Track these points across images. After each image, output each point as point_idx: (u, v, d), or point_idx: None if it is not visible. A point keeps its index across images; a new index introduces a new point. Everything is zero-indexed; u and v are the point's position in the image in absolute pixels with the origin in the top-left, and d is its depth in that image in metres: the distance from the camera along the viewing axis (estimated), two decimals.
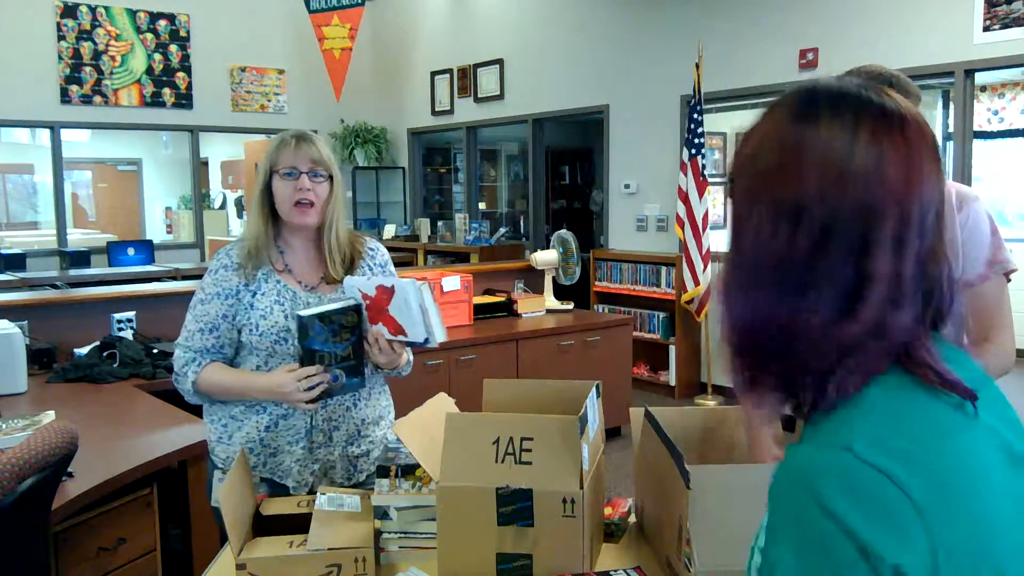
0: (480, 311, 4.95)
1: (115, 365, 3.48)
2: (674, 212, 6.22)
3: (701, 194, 5.96)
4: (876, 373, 0.71)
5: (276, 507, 1.69)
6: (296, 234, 2.00)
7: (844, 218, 0.69)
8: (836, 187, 0.69)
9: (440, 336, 1.85)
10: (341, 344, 1.84)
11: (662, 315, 6.48)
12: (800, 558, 0.66)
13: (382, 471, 1.65)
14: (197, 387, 1.95)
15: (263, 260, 1.97)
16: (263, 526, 1.65)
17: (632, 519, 1.78)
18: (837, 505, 0.64)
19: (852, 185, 0.69)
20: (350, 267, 2.03)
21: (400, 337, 1.86)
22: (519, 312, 5.10)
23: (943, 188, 0.73)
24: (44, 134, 8.28)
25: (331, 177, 1.97)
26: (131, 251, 7.95)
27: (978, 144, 5.89)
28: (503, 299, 5.16)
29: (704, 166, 5.96)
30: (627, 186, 7.00)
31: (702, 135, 5.93)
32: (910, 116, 0.72)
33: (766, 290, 0.72)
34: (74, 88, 7.87)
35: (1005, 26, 4.70)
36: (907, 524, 0.64)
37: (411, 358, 2.06)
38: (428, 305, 1.82)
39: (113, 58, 8.05)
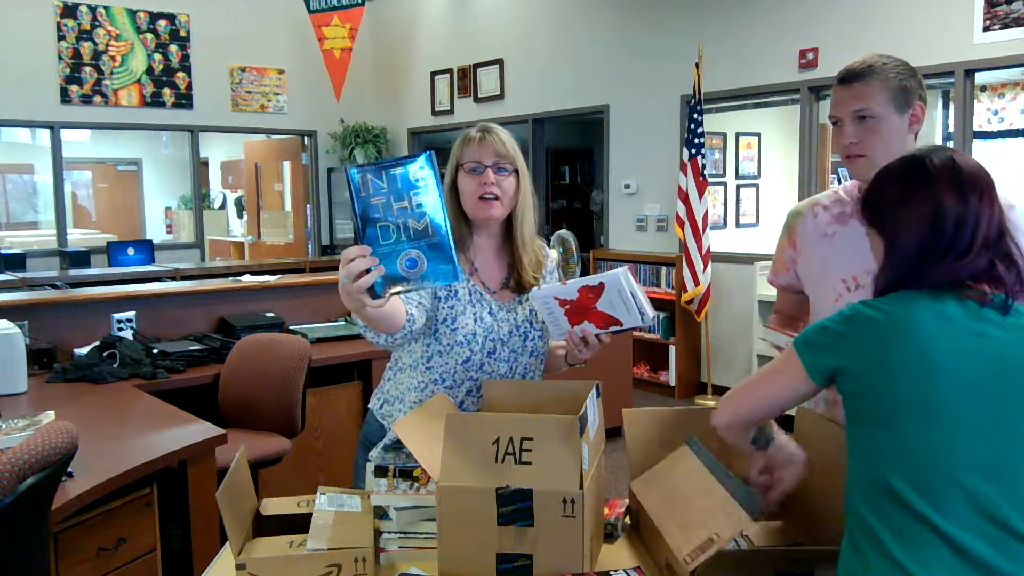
0: None
1: (115, 365, 3.48)
2: (674, 212, 6.22)
3: (701, 194, 5.96)
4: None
5: (276, 507, 1.69)
6: (482, 231, 1.91)
7: (963, 219, 1.32)
8: (958, 207, 1.33)
9: (651, 312, 1.75)
10: (413, 211, 1.40)
11: (662, 315, 6.47)
12: (812, 327, 1.39)
13: (380, 471, 1.65)
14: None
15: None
16: (263, 526, 1.65)
17: (627, 520, 1.78)
18: (838, 316, 1.34)
19: (965, 209, 1.33)
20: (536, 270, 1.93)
21: (613, 328, 1.76)
22: None
23: (1000, 204, 1.37)
24: (44, 134, 8.28)
25: (517, 171, 1.87)
26: (131, 251, 7.95)
27: (978, 144, 5.89)
28: None
29: (704, 166, 5.96)
30: (627, 186, 7.00)
31: (702, 135, 5.93)
32: (979, 171, 1.38)
33: (919, 254, 1.33)
34: (74, 88, 7.87)
35: (1005, 26, 4.70)
36: (867, 338, 1.28)
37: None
38: (636, 289, 1.73)
39: (113, 58, 8.05)
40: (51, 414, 2.47)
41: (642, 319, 1.73)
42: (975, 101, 5.15)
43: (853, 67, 1.70)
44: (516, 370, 1.92)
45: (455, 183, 1.88)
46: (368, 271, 1.37)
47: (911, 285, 1.32)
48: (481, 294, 1.88)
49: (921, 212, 1.33)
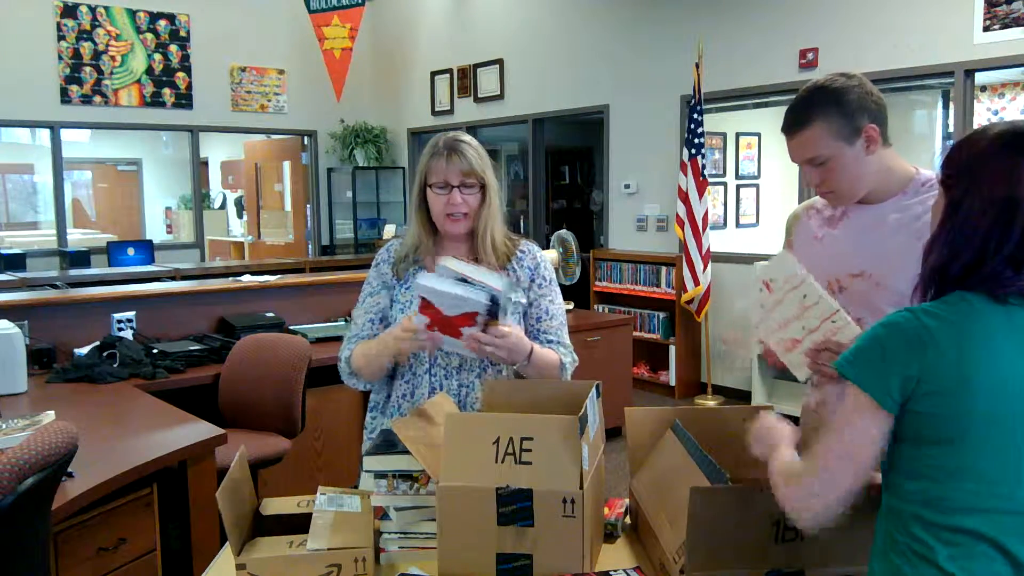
0: None
1: (115, 365, 3.48)
2: (674, 212, 6.22)
3: (701, 194, 5.96)
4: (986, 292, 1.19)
5: (276, 507, 1.69)
6: (450, 239, 2.00)
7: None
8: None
9: (498, 282, 1.72)
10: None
11: (662, 315, 6.48)
12: (857, 349, 1.22)
13: (380, 472, 1.64)
14: (351, 363, 1.98)
15: (420, 262, 1.99)
16: (263, 526, 1.65)
17: (627, 520, 1.78)
18: (884, 329, 1.20)
19: None
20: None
21: (480, 317, 1.72)
22: None
23: None
24: (44, 134, 8.28)
25: (483, 185, 1.94)
26: (131, 251, 7.95)
27: None
28: None
29: (704, 166, 5.96)
30: (627, 186, 7.00)
31: (702, 135, 5.93)
32: None
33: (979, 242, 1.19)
34: (74, 88, 7.87)
35: (1005, 26, 4.70)
36: (920, 347, 1.16)
37: (564, 360, 1.97)
38: (464, 270, 1.72)
39: (113, 58, 8.05)
40: (51, 414, 2.47)
41: (492, 293, 1.70)
42: (975, 101, 5.15)
43: (791, 111, 1.68)
44: (473, 363, 1.95)
45: (424, 194, 1.97)
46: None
47: (968, 284, 1.19)
48: None
49: (990, 194, 1.17)
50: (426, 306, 1.73)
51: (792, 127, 1.68)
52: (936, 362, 1.16)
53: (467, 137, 1.98)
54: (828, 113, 1.64)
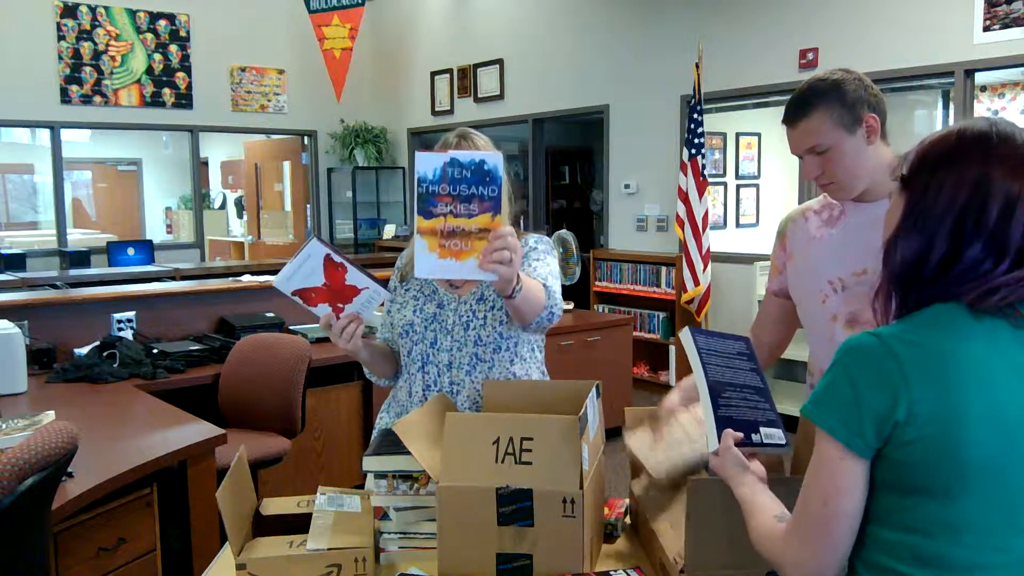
0: None
1: (115, 365, 3.49)
2: (674, 212, 6.22)
3: (701, 194, 5.96)
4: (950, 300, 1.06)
5: (276, 507, 1.69)
6: None
7: (1013, 207, 1.04)
8: (1009, 189, 1.05)
9: (315, 241, 1.75)
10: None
11: (662, 315, 6.48)
12: (823, 388, 1.08)
13: (380, 473, 1.64)
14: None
15: None
16: (263, 526, 1.65)
17: (627, 520, 1.78)
18: (850, 359, 1.06)
19: (1019, 195, 1.05)
20: None
21: (356, 275, 1.75)
22: None
23: None
24: (44, 134, 8.28)
25: None
26: (131, 251, 7.95)
27: None
28: None
29: (704, 166, 5.96)
30: (627, 186, 7.00)
31: (702, 135, 5.93)
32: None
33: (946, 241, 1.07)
34: (74, 88, 7.87)
35: (1005, 26, 4.70)
36: (894, 383, 1.02)
37: (547, 301, 1.83)
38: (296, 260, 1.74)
39: (113, 58, 8.05)
40: (51, 414, 2.47)
41: (315, 242, 1.76)
42: (975, 101, 5.15)
43: (793, 101, 1.69)
44: (462, 360, 1.92)
45: None
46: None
47: (941, 286, 1.06)
48: (435, 289, 1.97)
49: (960, 177, 1.06)
50: (304, 295, 1.78)
51: (794, 116, 1.69)
52: (919, 401, 1.01)
53: (476, 132, 2.00)
54: (829, 102, 1.65)
